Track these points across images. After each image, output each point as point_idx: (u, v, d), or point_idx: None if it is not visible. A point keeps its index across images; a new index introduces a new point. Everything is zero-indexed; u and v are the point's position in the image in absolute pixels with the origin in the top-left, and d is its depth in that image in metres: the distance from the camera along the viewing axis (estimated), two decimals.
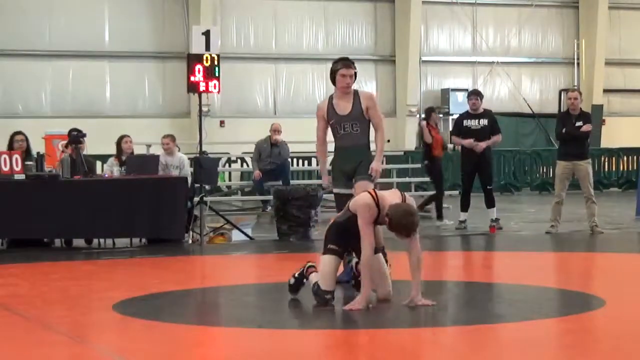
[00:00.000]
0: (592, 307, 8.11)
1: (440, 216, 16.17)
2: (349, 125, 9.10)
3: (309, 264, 8.40)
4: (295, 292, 8.45)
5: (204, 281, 10.69)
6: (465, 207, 14.95)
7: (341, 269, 8.63)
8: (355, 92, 9.19)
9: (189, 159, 14.82)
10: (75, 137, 13.31)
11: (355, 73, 9.20)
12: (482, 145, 14.55)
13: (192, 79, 14.16)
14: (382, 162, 9.62)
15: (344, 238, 8.10)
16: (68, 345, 6.84)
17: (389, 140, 26.21)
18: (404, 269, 8.16)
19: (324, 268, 8.09)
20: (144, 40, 26.30)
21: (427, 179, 22.08)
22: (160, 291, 9.12)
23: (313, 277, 8.23)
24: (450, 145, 15.25)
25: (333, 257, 8.08)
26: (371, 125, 9.24)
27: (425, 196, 17.44)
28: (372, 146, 9.42)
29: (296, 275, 8.43)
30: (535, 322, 7.36)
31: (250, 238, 14.02)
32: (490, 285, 9.73)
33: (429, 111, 16.42)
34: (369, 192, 8.00)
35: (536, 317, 7.57)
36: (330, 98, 9.25)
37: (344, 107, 9.13)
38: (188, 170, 14.32)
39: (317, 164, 22.77)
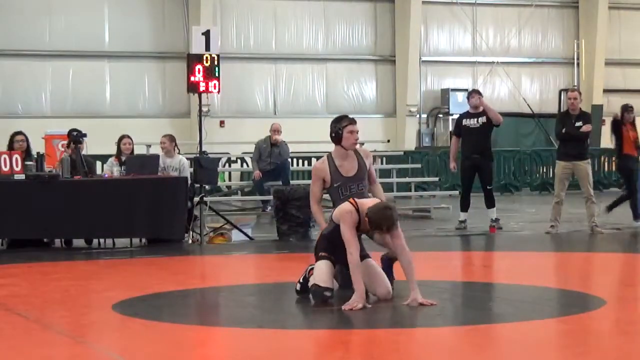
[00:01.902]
0: (592, 307, 8.11)
1: (636, 216, 15.52)
2: (355, 186, 8.80)
3: (311, 266, 8.45)
4: (303, 295, 8.52)
5: (204, 281, 10.69)
6: (465, 207, 14.95)
7: None
8: (355, 151, 8.98)
9: (188, 159, 14.79)
10: (75, 137, 13.31)
11: (358, 130, 8.97)
12: (484, 101, 14.59)
13: (192, 79, 14.17)
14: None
15: (332, 247, 8.25)
16: (68, 345, 6.84)
17: (389, 140, 26.36)
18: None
19: (320, 269, 8.24)
20: (144, 40, 26.30)
21: (427, 178, 22.21)
22: (160, 291, 9.12)
23: (312, 279, 8.29)
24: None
25: (326, 261, 8.26)
26: None
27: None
28: None
29: (301, 280, 8.55)
30: (535, 322, 7.37)
31: (250, 238, 14.02)
32: (490, 285, 9.73)
33: (623, 110, 15.74)
34: (349, 201, 8.19)
35: (536, 317, 7.58)
36: (330, 159, 8.94)
37: (349, 168, 8.88)
38: (188, 173, 14.25)
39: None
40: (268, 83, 27.49)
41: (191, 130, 25.36)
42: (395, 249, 8.20)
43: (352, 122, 8.92)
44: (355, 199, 8.21)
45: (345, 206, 8.16)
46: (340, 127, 8.87)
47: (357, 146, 9.15)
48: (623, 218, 16.79)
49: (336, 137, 8.91)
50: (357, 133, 8.91)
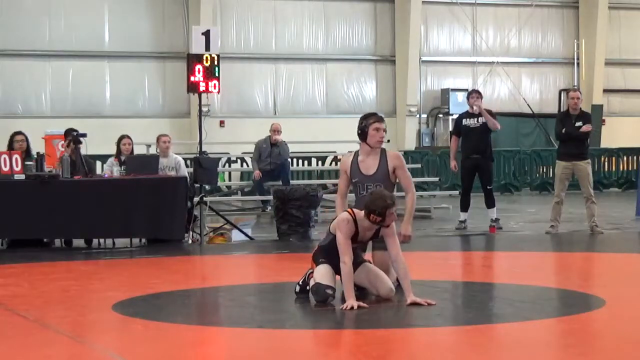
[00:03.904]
0: (592, 307, 8.11)
1: None
2: (373, 187, 8.65)
3: (310, 270, 8.46)
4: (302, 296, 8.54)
5: (204, 281, 10.68)
6: (465, 207, 14.95)
7: None
8: (383, 151, 8.85)
9: (188, 159, 14.80)
10: (76, 137, 13.31)
11: (385, 128, 8.91)
12: (481, 105, 14.56)
13: (192, 79, 14.17)
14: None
15: (330, 257, 8.26)
16: (68, 345, 6.83)
17: (388, 140, 26.35)
18: (412, 268, 8.16)
19: (320, 271, 8.26)
20: (144, 40, 26.31)
21: (427, 178, 22.21)
22: (160, 291, 9.12)
23: (313, 281, 8.30)
24: None
25: (327, 265, 8.26)
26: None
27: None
28: None
29: (300, 282, 8.54)
30: (535, 322, 7.36)
31: (250, 238, 14.02)
32: (490, 285, 9.72)
33: None
34: (347, 211, 8.19)
35: (536, 317, 7.57)
36: (356, 154, 8.90)
37: (369, 166, 8.79)
38: (185, 171, 14.30)
39: (318, 163, 22.93)
40: (268, 83, 27.50)
41: (191, 130, 25.37)
42: (388, 248, 8.17)
43: (379, 120, 8.86)
44: (354, 210, 8.19)
45: (343, 215, 8.18)
46: (367, 124, 8.82)
47: (389, 149, 9.11)
48: (623, 218, 16.81)
49: (362, 134, 8.84)
50: (384, 131, 8.82)
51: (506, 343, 6.87)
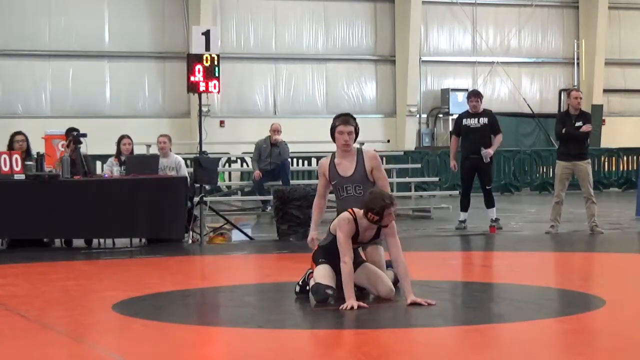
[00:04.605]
0: (592, 307, 8.10)
1: None
2: (352, 188, 8.61)
3: (310, 270, 8.45)
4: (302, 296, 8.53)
5: (204, 281, 10.68)
6: (465, 207, 14.94)
7: None
8: (359, 152, 8.76)
9: (188, 159, 14.79)
10: (76, 137, 13.31)
11: (357, 130, 8.74)
12: (490, 152, 14.55)
13: (192, 79, 14.18)
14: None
15: (330, 258, 8.25)
16: (68, 345, 6.84)
17: (389, 140, 26.39)
18: (412, 268, 8.17)
19: (320, 271, 8.26)
20: (144, 40, 26.31)
21: (427, 178, 22.20)
22: (160, 291, 9.12)
23: (312, 281, 8.30)
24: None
25: (326, 265, 8.25)
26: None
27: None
28: None
29: (300, 282, 8.53)
30: (535, 322, 7.36)
31: (250, 238, 14.03)
32: (490, 285, 9.72)
33: None
34: (349, 211, 8.16)
35: (536, 317, 7.57)
36: (333, 156, 8.82)
37: (347, 168, 8.69)
38: (185, 171, 14.30)
39: (318, 163, 22.91)
40: (268, 83, 27.50)
41: (191, 130, 25.37)
42: (389, 248, 8.17)
43: (344, 122, 8.72)
44: (354, 209, 8.17)
45: (344, 215, 8.16)
46: (334, 126, 8.78)
47: (366, 148, 9.06)
48: (623, 218, 16.80)
49: (332, 136, 8.83)
50: (349, 135, 8.67)
51: (506, 343, 6.87)
